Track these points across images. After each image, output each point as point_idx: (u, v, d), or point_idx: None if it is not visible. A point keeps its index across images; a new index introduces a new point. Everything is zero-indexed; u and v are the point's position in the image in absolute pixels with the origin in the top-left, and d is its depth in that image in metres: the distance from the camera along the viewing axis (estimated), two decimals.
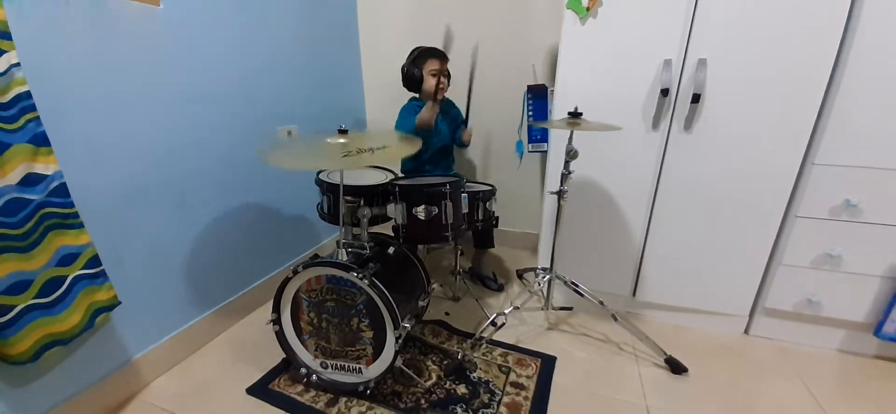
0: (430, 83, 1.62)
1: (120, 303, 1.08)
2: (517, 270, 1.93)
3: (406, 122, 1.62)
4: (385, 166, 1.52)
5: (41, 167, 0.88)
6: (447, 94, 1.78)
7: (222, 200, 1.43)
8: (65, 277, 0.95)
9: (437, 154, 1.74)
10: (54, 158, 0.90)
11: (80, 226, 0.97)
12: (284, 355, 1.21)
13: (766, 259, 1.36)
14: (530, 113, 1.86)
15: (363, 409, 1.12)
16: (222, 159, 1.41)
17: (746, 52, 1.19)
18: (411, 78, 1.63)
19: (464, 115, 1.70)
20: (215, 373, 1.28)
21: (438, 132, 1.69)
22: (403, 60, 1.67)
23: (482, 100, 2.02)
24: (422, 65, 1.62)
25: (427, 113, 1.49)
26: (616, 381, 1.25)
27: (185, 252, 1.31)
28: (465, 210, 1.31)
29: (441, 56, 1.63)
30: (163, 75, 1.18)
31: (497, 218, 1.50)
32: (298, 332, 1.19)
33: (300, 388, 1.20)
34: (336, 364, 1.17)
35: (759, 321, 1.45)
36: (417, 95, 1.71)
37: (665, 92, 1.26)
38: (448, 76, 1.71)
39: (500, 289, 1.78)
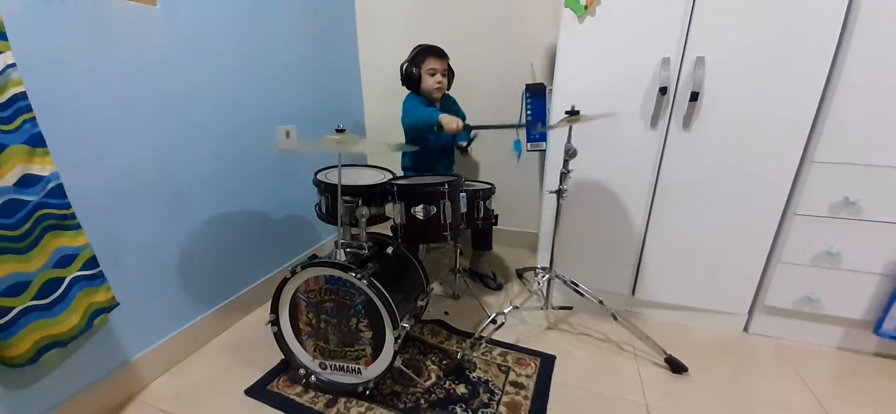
0: (428, 82, 1.62)
1: (118, 304, 1.07)
2: (517, 270, 1.92)
3: (417, 110, 1.57)
4: (383, 166, 1.52)
5: (38, 168, 0.88)
6: (450, 92, 1.78)
7: (220, 201, 1.43)
8: (63, 279, 0.94)
9: (437, 153, 1.74)
10: (50, 159, 0.90)
11: (78, 227, 0.97)
12: (283, 356, 1.20)
13: (766, 257, 1.36)
14: (529, 112, 1.86)
15: (362, 409, 1.12)
16: (220, 159, 1.41)
17: (745, 50, 1.18)
18: (410, 76, 1.63)
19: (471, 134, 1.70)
20: (214, 374, 1.28)
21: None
22: (401, 60, 1.67)
23: (481, 99, 2.02)
24: (421, 64, 1.62)
25: (454, 123, 1.46)
26: (616, 380, 1.24)
27: (184, 252, 1.31)
28: (463, 209, 1.31)
29: (440, 55, 1.63)
30: (160, 75, 1.18)
31: (496, 216, 1.50)
32: (297, 332, 1.19)
33: (299, 389, 1.20)
34: (335, 365, 1.17)
35: (758, 319, 1.45)
36: (416, 93, 1.71)
37: (663, 90, 1.26)
38: (450, 74, 1.70)
39: (500, 288, 1.78)
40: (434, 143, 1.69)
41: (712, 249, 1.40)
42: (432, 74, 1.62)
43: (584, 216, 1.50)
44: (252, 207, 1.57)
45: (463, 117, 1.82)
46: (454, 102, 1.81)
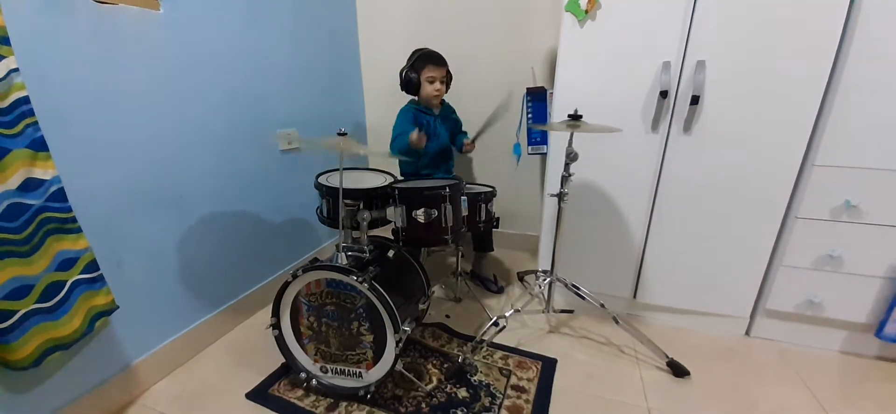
0: (427, 90, 1.64)
1: (118, 307, 1.07)
2: (518, 273, 1.92)
3: (401, 127, 1.63)
4: (384, 170, 1.53)
5: (40, 172, 0.88)
6: (445, 98, 1.79)
7: (222, 204, 1.43)
8: (64, 282, 0.95)
9: (436, 157, 1.74)
10: (52, 163, 0.90)
11: (79, 230, 0.97)
12: (284, 360, 1.20)
13: (767, 260, 1.36)
14: (530, 115, 1.87)
15: (363, 413, 1.12)
16: (222, 163, 1.41)
17: (745, 54, 1.19)
18: (409, 83, 1.65)
19: (473, 135, 1.75)
20: (215, 377, 1.28)
21: (437, 136, 1.70)
22: (403, 63, 1.68)
23: (481, 101, 2.02)
24: (420, 70, 1.63)
25: (415, 138, 1.51)
26: (617, 383, 1.24)
27: (185, 256, 1.31)
28: (464, 212, 1.31)
29: (439, 62, 1.64)
30: (163, 79, 1.18)
31: (497, 219, 1.50)
32: (298, 336, 1.18)
33: (300, 392, 1.20)
34: (336, 368, 1.17)
35: (760, 323, 1.45)
36: (416, 99, 1.72)
37: (664, 94, 1.26)
38: (448, 80, 1.71)
39: (501, 291, 1.78)
40: (431, 148, 1.70)
41: (714, 253, 1.40)
42: (431, 82, 1.63)
43: (585, 219, 1.50)
44: (253, 211, 1.57)
45: (459, 124, 1.83)
46: (452, 111, 1.82)
